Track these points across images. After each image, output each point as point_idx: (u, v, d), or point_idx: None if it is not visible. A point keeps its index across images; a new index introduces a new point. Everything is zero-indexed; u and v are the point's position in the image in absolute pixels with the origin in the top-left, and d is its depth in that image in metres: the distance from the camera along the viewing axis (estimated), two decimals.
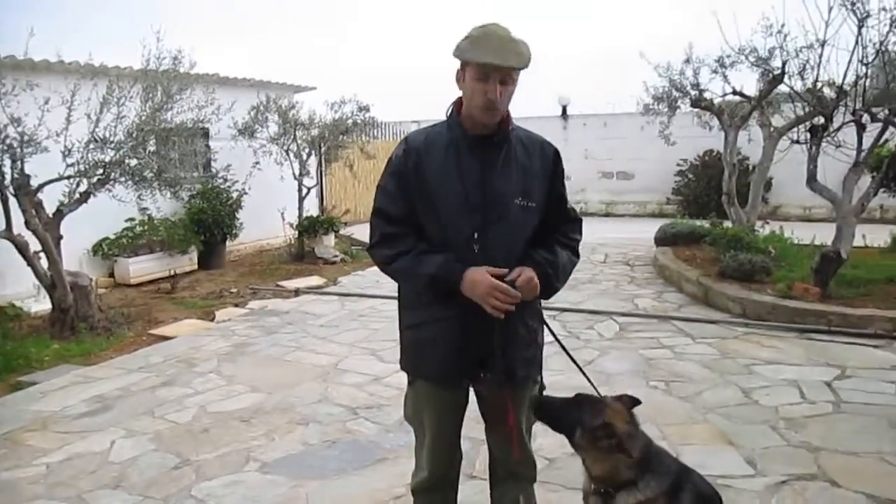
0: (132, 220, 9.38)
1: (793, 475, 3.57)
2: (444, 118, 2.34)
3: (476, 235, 2.22)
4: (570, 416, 2.24)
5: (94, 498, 3.56)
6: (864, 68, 6.46)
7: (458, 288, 2.17)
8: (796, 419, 4.29)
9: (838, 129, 7.01)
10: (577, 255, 2.44)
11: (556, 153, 2.39)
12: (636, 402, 2.35)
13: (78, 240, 8.64)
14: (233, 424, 4.46)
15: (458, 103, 2.30)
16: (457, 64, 2.24)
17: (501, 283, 2.14)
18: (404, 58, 35.85)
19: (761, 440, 4.00)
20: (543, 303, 2.48)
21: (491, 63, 2.11)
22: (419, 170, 2.23)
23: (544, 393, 2.49)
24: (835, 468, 3.63)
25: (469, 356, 2.29)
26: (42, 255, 6.46)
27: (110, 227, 9.20)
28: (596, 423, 2.19)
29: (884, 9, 6.20)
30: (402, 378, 5.31)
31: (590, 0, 36.80)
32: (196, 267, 10.02)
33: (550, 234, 2.37)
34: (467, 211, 2.22)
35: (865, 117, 6.64)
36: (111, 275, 9.33)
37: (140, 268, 9.23)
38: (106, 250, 9.23)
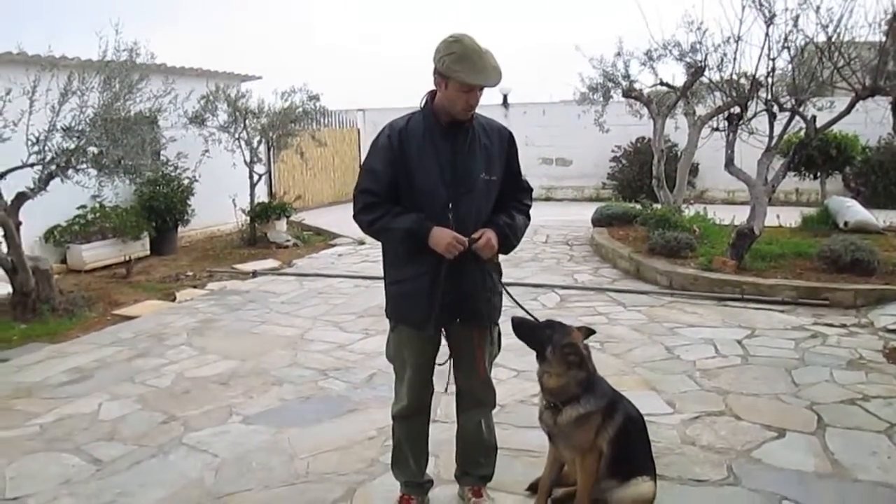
0: (84, 207, 9.50)
1: (704, 412, 4.21)
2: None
3: (450, 205, 2.73)
4: (544, 335, 2.82)
5: (91, 448, 3.92)
6: (771, 63, 7.19)
7: (426, 240, 2.66)
8: (710, 370, 4.96)
9: (752, 117, 7.76)
10: (529, 218, 3.00)
11: (511, 136, 2.95)
12: (591, 331, 2.97)
13: (29, 228, 8.73)
14: (211, 387, 4.84)
15: (430, 94, 2.78)
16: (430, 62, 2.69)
17: (459, 236, 2.67)
18: (344, 48, 35.90)
19: (680, 386, 4.65)
20: None
21: (478, 84, 2.62)
22: (402, 151, 2.72)
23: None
24: (739, 406, 4.30)
25: (443, 305, 2.76)
26: (1, 240, 6.63)
27: (61, 214, 9.30)
28: (565, 342, 2.77)
29: (786, 9, 6.93)
30: (366, 345, 5.82)
31: None
32: (148, 252, 10.19)
33: (508, 201, 2.92)
34: (442, 186, 2.73)
35: (775, 107, 7.40)
36: (63, 261, 9.43)
37: (93, 254, 9.35)
38: (58, 237, 9.33)
